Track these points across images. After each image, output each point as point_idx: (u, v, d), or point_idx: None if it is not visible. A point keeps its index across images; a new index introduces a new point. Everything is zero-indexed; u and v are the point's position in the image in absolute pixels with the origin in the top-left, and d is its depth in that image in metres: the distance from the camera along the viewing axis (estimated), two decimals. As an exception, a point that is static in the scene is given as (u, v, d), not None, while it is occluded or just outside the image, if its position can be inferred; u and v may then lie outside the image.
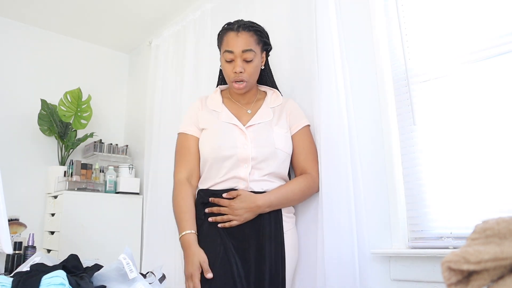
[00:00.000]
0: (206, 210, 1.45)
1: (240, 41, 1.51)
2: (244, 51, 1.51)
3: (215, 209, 1.43)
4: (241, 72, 1.51)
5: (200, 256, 1.34)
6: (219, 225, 1.42)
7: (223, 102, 1.62)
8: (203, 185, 1.52)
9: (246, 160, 1.46)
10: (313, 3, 1.75)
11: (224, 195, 1.44)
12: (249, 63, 1.53)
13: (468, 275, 0.54)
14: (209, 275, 1.30)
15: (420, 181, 1.49)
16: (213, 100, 1.63)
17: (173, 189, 1.52)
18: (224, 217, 1.42)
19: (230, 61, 1.53)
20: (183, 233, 1.39)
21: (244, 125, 1.54)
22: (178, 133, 1.61)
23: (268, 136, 1.51)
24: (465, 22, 1.45)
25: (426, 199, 1.47)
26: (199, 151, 1.55)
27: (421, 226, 1.46)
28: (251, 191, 1.45)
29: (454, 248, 1.32)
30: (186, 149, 1.55)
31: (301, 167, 1.58)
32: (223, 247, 1.38)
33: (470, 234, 0.57)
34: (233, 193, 1.43)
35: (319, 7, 1.71)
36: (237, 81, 1.54)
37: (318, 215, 1.56)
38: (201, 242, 1.39)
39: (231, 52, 1.52)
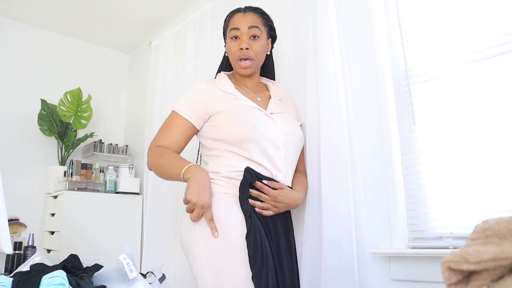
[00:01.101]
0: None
1: (247, 19, 1.50)
2: (250, 27, 1.48)
3: (255, 193, 1.36)
4: (247, 49, 1.47)
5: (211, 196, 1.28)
6: (257, 210, 1.35)
7: (235, 87, 1.54)
8: (248, 165, 1.38)
9: (279, 147, 1.42)
10: (313, 4, 1.75)
11: (266, 182, 1.37)
12: (255, 40, 1.49)
13: (468, 275, 0.54)
14: (216, 233, 1.24)
15: (420, 181, 1.49)
16: (224, 83, 1.52)
17: (150, 152, 1.43)
18: (264, 205, 1.36)
19: (236, 39, 1.50)
20: (191, 164, 1.31)
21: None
22: (174, 111, 1.48)
23: (293, 126, 1.51)
24: (465, 22, 1.45)
25: (426, 199, 1.47)
26: (185, 137, 1.45)
27: (421, 226, 1.47)
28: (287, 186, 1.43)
29: (454, 248, 1.32)
30: (172, 127, 1.45)
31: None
32: (268, 243, 1.31)
33: (470, 234, 0.57)
34: (276, 185, 1.38)
35: (319, 7, 1.71)
36: (243, 59, 1.48)
37: (314, 214, 1.56)
38: (253, 231, 1.25)
39: (237, 29, 1.49)
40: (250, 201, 1.34)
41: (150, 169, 1.47)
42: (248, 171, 1.35)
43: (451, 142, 1.43)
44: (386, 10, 1.68)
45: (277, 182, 1.40)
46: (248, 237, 1.24)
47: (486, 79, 1.37)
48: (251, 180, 1.34)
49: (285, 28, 1.92)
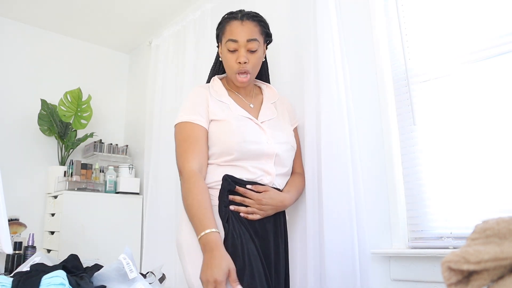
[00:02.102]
0: (229, 198, 1.34)
1: (245, 30, 1.46)
2: (249, 41, 1.45)
3: (237, 198, 1.34)
4: (245, 63, 1.45)
5: (230, 262, 1.17)
6: (242, 215, 1.34)
7: (228, 94, 1.53)
8: (227, 172, 1.37)
9: (270, 156, 1.41)
10: (313, 4, 1.75)
11: (249, 187, 1.36)
12: (253, 53, 1.47)
13: (468, 275, 0.54)
14: (239, 287, 1.14)
15: (420, 181, 1.49)
16: (218, 90, 1.51)
17: (183, 180, 1.32)
18: (249, 209, 1.34)
19: (234, 51, 1.47)
20: (208, 231, 1.20)
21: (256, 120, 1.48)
22: (182, 122, 1.41)
23: (284, 134, 1.50)
24: (465, 22, 1.45)
25: (426, 199, 1.47)
26: (207, 144, 1.41)
27: (421, 226, 1.47)
28: (274, 188, 1.41)
29: (454, 248, 1.32)
30: (195, 139, 1.38)
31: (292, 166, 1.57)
32: (254, 245, 1.30)
33: (470, 234, 0.57)
34: (260, 188, 1.36)
35: (319, 8, 1.71)
36: (241, 73, 1.47)
37: (313, 214, 1.56)
38: (231, 235, 1.27)
39: (235, 41, 1.46)
40: (234, 207, 1.33)
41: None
42: (226, 179, 1.34)
43: (451, 142, 1.43)
44: (386, 10, 1.68)
45: (262, 185, 1.38)
46: (225, 242, 1.24)
47: (486, 79, 1.37)
48: (229, 187, 1.34)
49: (285, 28, 1.92)
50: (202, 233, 1.21)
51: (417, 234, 1.47)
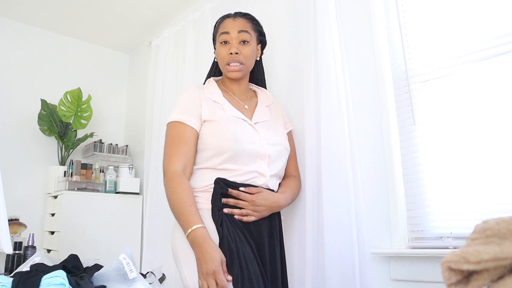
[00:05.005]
0: (223, 201, 1.34)
1: (237, 23, 1.50)
2: (240, 32, 1.48)
3: (231, 201, 1.34)
4: (236, 53, 1.46)
5: (221, 253, 1.21)
6: (236, 217, 1.34)
7: (223, 95, 1.53)
8: (220, 175, 1.38)
9: (263, 157, 1.41)
10: (313, 4, 1.75)
11: (243, 189, 1.36)
12: (245, 45, 1.49)
13: (468, 275, 0.54)
14: (230, 277, 1.19)
15: (420, 181, 1.49)
16: (212, 91, 1.51)
17: (167, 181, 1.35)
18: (243, 211, 1.34)
19: (226, 44, 1.49)
20: (195, 227, 1.23)
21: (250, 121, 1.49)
22: (173, 121, 1.42)
23: (278, 135, 1.50)
24: (465, 22, 1.45)
25: (426, 199, 1.47)
26: (196, 145, 1.41)
27: (421, 226, 1.47)
28: (268, 189, 1.41)
29: (454, 248, 1.32)
30: (183, 140, 1.38)
31: (286, 169, 1.57)
32: (250, 248, 1.31)
33: (470, 234, 0.57)
34: (253, 190, 1.37)
35: (319, 8, 1.71)
36: (232, 63, 1.48)
37: (313, 215, 1.56)
38: (226, 239, 1.27)
39: (227, 33, 1.49)
40: (228, 209, 1.33)
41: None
42: (218, 182, 1.35)
43: (451, 142, 1.43)
44: (386, 10, 1.68)
45: (255, 187, 1.38)
46: (221, 247, 1.25)
47: (486, 79, 1.37)
48: (221, 190, 1.34)
49: (285, 29, 1.92)
50: (189, 230, 1.24)
51: (417, 234, 1.47)
